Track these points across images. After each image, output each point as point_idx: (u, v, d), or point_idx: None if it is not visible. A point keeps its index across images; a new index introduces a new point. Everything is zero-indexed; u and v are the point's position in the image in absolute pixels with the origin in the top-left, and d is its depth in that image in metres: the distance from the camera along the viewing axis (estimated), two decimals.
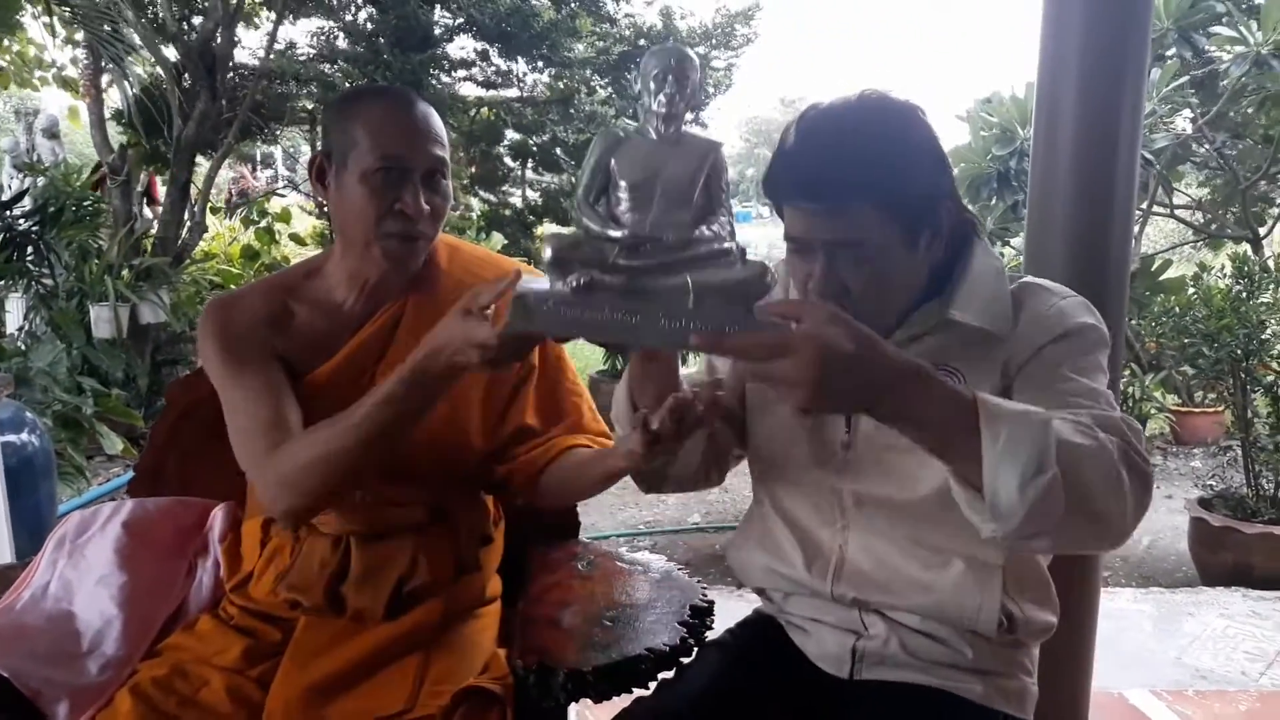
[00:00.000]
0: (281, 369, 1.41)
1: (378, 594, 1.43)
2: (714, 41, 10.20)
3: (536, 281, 1.15)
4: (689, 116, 1.21)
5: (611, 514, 4.99)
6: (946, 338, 1.26)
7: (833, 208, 1.16)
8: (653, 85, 1.11)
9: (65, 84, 7.42)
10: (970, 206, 7.78)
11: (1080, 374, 1.21)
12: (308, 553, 1.46)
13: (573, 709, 1.39)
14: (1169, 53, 5.92)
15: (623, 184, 1.12)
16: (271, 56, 7.90)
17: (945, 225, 1.24)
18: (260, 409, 1.36)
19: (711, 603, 1.49)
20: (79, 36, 6.86)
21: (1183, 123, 6.64)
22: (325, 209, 1.49)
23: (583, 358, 9.00)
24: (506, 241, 8.57)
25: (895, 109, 1.22)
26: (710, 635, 1.47)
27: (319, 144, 1.49)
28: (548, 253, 1.07)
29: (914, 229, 1.20)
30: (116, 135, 7.07)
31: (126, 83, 5.51)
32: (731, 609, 1.55)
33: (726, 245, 1.10)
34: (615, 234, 1.09)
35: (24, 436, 2.96)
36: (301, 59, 9.01)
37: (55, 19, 5.65)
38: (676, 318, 1.03)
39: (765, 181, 1.22)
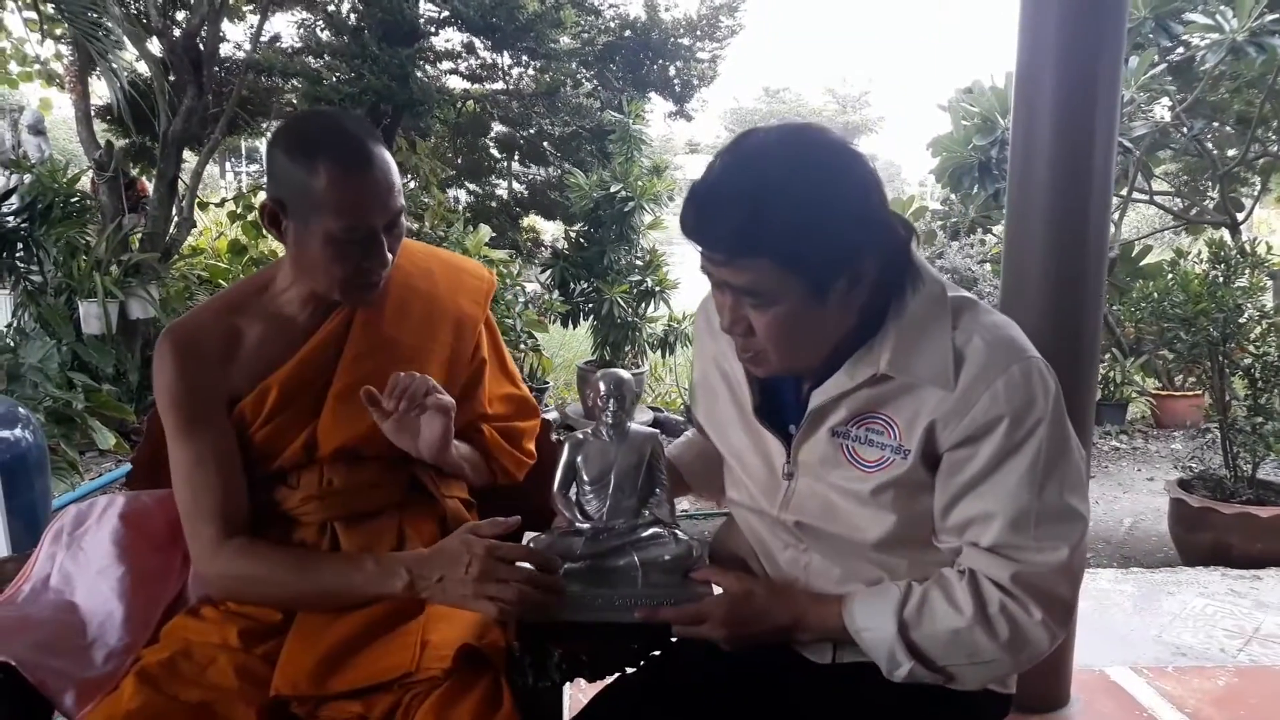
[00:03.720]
0: (228, 421, 1.48)
1: None
2: (699, 33, 10.20)
3: None
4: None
5: None
6: (882, 388, 1.24)
7: (726, 259, 1.16)
8: (600, 403, 1.44)
9: (49, 79, 7.40)
10: (952, 197, 7.78)
11: (998, 473, 1.19)
12: (297, 541, 1.51)
13: (566, 687, 1.43)
14: (1147, 41, 5.97)
15: (585, 479, 1.42)
16: (257, 51, 7.90)
17: (868, 275, 1.19)
18: (205, 490, 1.45)
19: None
20: (59, 31, 6.84)
21: (1161, 110, 6.70)
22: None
23: (571, 348, 9.03)
24: (495, 234, 8.57)
25: (816, 161, 1.15)
26: None
27: (267, 185, 1.44)
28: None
29: (821, 284, 1.16)
30: (101, 131, 7.06)
31: (115, 79, 5.48)
32: None
33: (663, 532, 1.40)
34: (583, 526, 1.40)
35: (18, 432, 2.96)
36: (287, 52, 9.00)
37: (38, 13, 5.64)
38: (627, 596, 1.36)
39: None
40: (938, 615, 1.22)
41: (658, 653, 1.41)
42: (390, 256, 1.45)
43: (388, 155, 1.41)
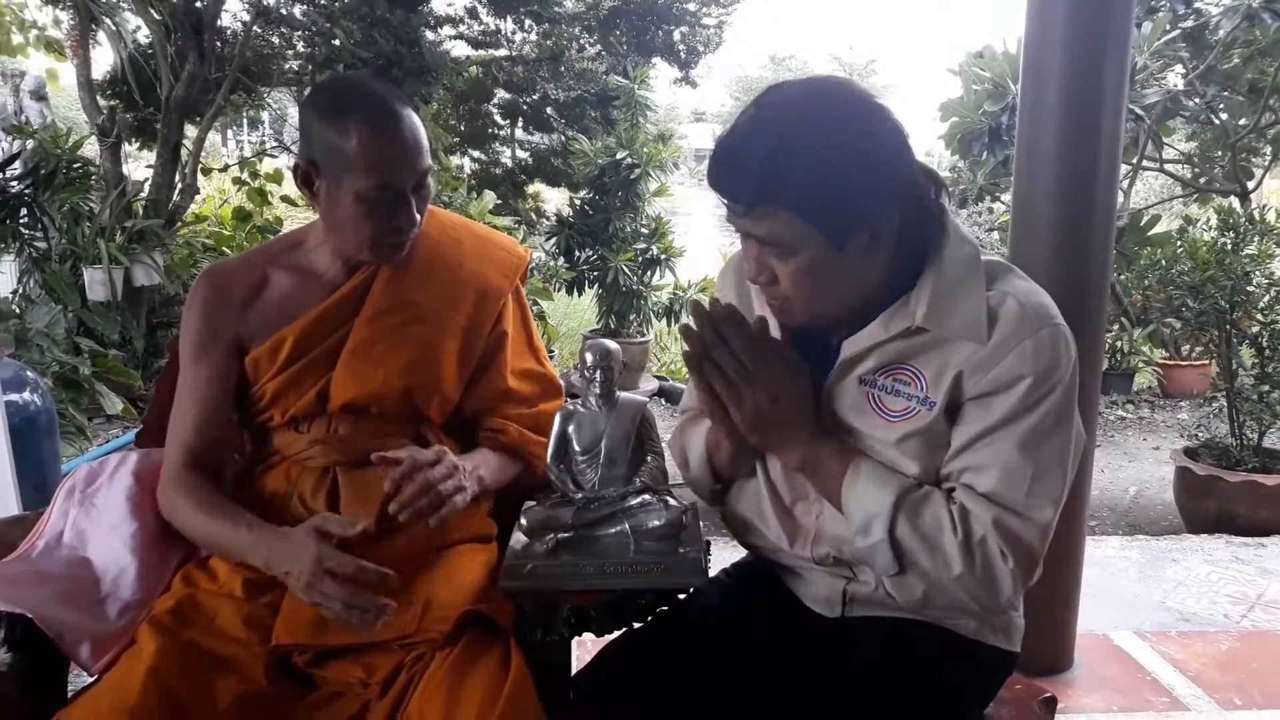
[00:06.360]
0: (232, 368, 1.55)
1: (366, 515, 1.48)
2: None
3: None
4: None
5: None
6: (915, 340, 1.26)
7: (745, 209, 1.21)
8: (588, 374, 1.47)
9: (49, 46, 7.34)
10: (961, 164, 7.72)
11: (1009, 428, 1.21)
12: (300, 487, 1.54)
13: (574, 642, 1.45)
14: (1160, 6, 5.91)
15: (577, 449, 1.46)
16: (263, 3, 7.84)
17: (889, 229, 1.22)
18: (183, 417, 1.55)
19: (707, 542, 1.54)
20: None
21: (1173, 77, 6.64)
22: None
23: (576, 316, 9.02)
24: (499, 201, 8.54)
25: (840, 115, 1.19)
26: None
27: (299, 146, 1.49)
28: (524, 523, 1.40)
29: (840, 233, 1.19)
30: (104, 102, 7.01)
31: (121, 44, 5.44)
32: (728, 557, 1.59)
33: (652, 499, 1.41)
34: (575, 496, 1.42)
35: (26, 396, 2.98)
36: (294, 9, 8.92)
37: None
38: (619, 565, 1.36)
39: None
40: (935, 518, 1.23)
41: (665, 608, 1.42)
42: (418, 217, 1.49)
43: (416, 117, 1.45)
